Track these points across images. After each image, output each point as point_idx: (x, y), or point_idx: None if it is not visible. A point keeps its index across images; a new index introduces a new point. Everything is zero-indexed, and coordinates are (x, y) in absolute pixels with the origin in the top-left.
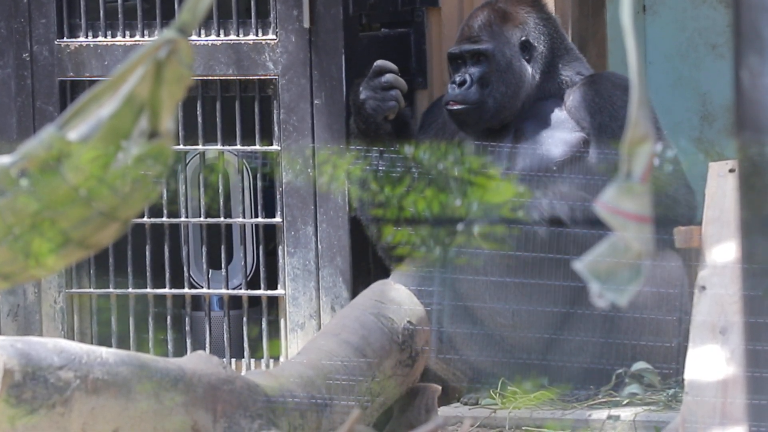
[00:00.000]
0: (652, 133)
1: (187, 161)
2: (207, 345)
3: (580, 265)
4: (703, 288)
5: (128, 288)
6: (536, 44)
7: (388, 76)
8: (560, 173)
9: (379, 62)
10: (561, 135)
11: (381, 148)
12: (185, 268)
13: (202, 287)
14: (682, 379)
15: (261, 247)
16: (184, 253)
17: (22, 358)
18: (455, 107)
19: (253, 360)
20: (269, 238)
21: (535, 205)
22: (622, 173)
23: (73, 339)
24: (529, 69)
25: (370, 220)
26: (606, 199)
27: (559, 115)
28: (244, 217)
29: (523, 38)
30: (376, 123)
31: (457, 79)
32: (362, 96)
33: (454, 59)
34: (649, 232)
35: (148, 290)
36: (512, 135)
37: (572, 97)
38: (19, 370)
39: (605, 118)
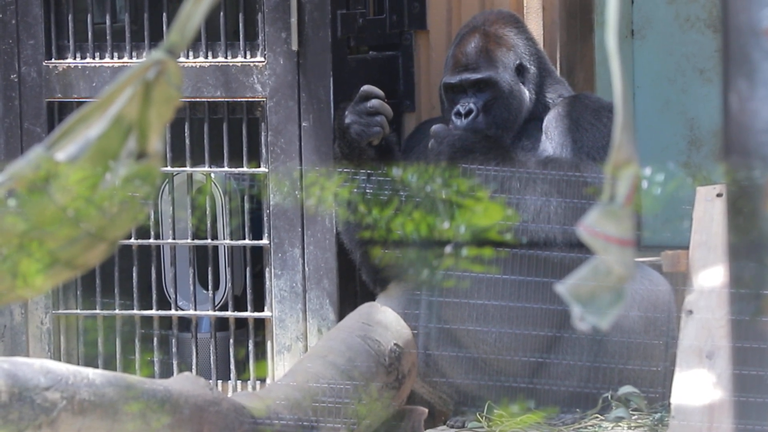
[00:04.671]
0: (635, 157)
1: (175, 182)
2: (193, 366)
3: (562, 288)
4: (690, 312)
5: (115, 309)
6: (528, 66)
7: (374, 102)
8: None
9: (366, 87)
10: (537, 155)
11: (369, 171)
12: (172, 290)
13: (189, 309)
14: (669, 404)
15: (248, 269)
16: (170, 275)
17: (9, 378)
18: None
19: (239, 382)
20: (256, 260)
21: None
22: (606, 196)
23: (60, 360)
24: (526, 92)
25: (355, 243)
26: (588, 222)
27: (538, 136)
28: (231, 239)
29: (518, 61)
30: (360, 148)
31: (462, 109)
32: (347, 120)
33: (452, 89)
34: (631, 255)
35: (135, 311)
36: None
37: (548, 118)
38: (6, 391)
39: (567, 138)
